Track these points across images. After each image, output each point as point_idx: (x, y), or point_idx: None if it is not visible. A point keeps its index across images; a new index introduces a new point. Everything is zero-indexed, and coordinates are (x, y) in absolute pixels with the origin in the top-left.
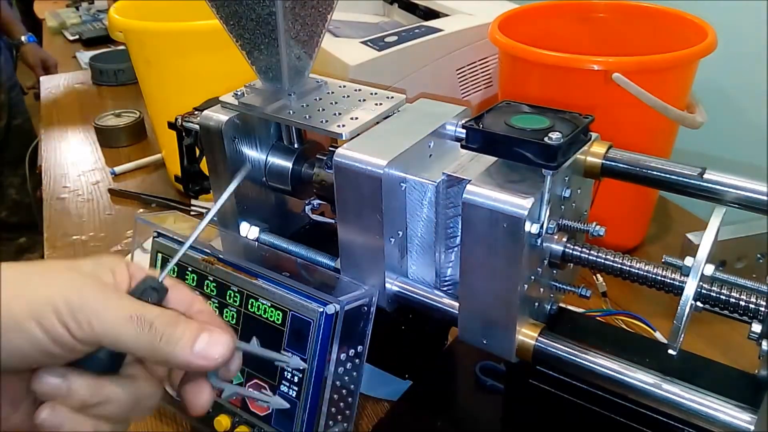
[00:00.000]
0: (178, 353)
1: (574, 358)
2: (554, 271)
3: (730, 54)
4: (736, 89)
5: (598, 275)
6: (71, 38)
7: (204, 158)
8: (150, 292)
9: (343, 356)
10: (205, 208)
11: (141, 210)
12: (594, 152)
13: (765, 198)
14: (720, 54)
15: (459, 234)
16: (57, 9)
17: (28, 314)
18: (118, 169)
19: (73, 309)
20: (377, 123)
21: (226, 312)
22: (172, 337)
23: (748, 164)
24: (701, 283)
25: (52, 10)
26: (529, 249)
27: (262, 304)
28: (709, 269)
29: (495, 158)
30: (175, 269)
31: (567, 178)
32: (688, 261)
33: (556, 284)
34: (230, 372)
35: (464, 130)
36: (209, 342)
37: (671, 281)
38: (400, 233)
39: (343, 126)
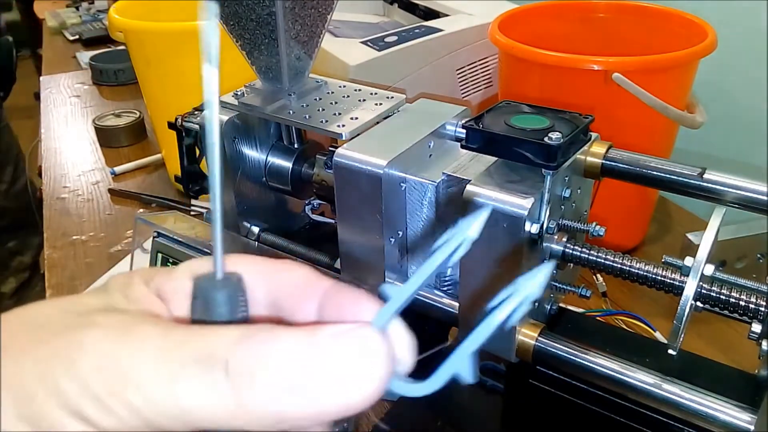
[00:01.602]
0: (297, 407)
1: (574, 358)
2: (554, 271)
3: (730, 54)
4: (736, 89)
5: (598, 275)
6: (71, 38)
7: (204, 158)
8: (218, 301)
9: None
10: (205, 208)
11: (141, 210)
12: (594, 152)
13: (765, 198)
14: (720, 54)
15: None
16: (57, 9)
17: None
18: (118, 169)
19: (95, 394)
20: (377, 123)
21: None
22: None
23: (748, 164)
24: (701, 283)
25: (52, 10)
26: (529, 249)
27: None
28: (709, 269)
29: (495, 158)
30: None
31: (567, 178)
32: (688, 261)
33: (556, 284)
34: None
35: (464, 130)
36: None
37: (671, 281)
38: (400, 233)
39: (343, 126)
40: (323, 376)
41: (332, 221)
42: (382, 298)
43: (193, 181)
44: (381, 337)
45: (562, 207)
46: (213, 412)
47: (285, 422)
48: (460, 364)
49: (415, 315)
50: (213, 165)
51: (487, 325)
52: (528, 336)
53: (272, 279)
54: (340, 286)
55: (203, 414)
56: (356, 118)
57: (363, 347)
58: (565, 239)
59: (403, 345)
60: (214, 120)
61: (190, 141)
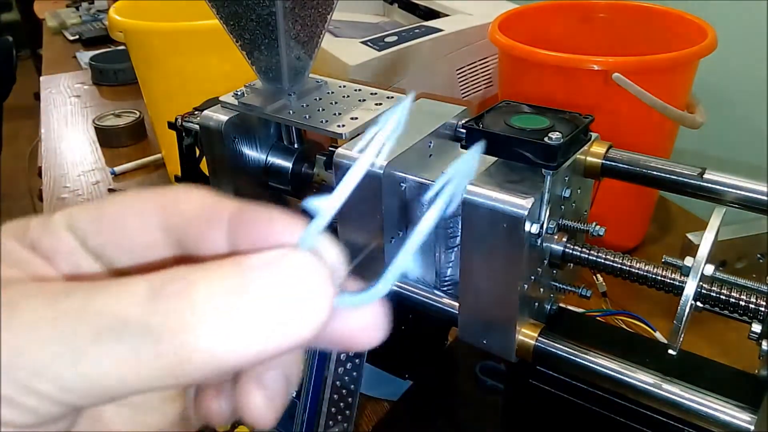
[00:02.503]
0: (240, 354)
1: (574, 357)
2: (554, 271)
3: (730, 54)
4: (737, 89)
5: (598, 275)
6: (71, 38)
7: (204, 158)
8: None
9: (343, 356)
10: None
11: None
12: (594, 152)
13: (765, 198)
14: (720, 54)
15: (459, 234)
16: (57, 9)
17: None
18: (118, 169)
19: None
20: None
21: None
22: (188, 324)
23: (748, 164)
24: (701, 283)
25: (51, 10)
26: (529, 249)
27: None
28: (709, 269)
29: (495, 158)
30: None
31: (567, 178)
32: (688, 261)
33: (556, 284)
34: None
35: (464, 130)
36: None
37: (671, 281)
38: (401, 233)
39: (343, 126)
40: (263, 315)
41: (332, 221)
42: (309, 213)
43: (193, 181)
44: (316, 259)
45: (562, 207)
46: (144, 380)
47: (229, 368)
48: (406, 261)
49: (416, 315)
50: None
51: (431, 214)
52: (528, 336)
53: (167, 211)
54: (248, 207)
55: (134, 385)
56: (356, 118)
57: (300, 273)
58: (565, 239)
59: (335, 259)
60: None
61: (190, 141)
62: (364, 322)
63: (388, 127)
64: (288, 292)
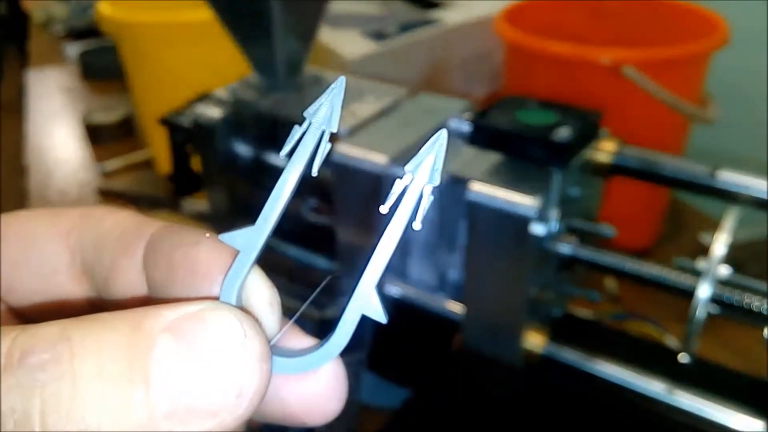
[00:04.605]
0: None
1: (582, 365)
2: (563, 274)
3: (746, 48)
4: (754, 84)
5: (609, 278)
6: (59, 32)
7: (197, 155)
8: None
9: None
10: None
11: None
12: (604, 149)
13: None
14: (736, 48)
15: (461, 234)
16: (44, 1)
17: None
18: (106, 166)
19: None
20: (377, 119)
21: None
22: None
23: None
24: (714, 286)
25: (39, 2)
26: (537, 251)
27: None
28: (723, 271)
29: (500, 155)
30: None
31: (576, 177)
32: (701, 263)
33: (565, 287)
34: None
35: (467, 126)
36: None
37: (684, 284)
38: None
39: (342, 122)
40: (165, 406)
41: (331, 221)
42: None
43: (185, 180)
44: (243, 319)
45: (571, 206)
46: None
47: None
48: (365, 302)
49: (417, 320)
50: None
51: (388, 240)
52: (535, 342)
53: (79, 235)
54: (172, 229)
55: None
56: (355, 114)
57: (221, 342)
58: (574, 240)
59: (269, 309)
60: None
61: (182, 138)
62: (316, 390)
63: (317, 124)
64: (204, 371)
